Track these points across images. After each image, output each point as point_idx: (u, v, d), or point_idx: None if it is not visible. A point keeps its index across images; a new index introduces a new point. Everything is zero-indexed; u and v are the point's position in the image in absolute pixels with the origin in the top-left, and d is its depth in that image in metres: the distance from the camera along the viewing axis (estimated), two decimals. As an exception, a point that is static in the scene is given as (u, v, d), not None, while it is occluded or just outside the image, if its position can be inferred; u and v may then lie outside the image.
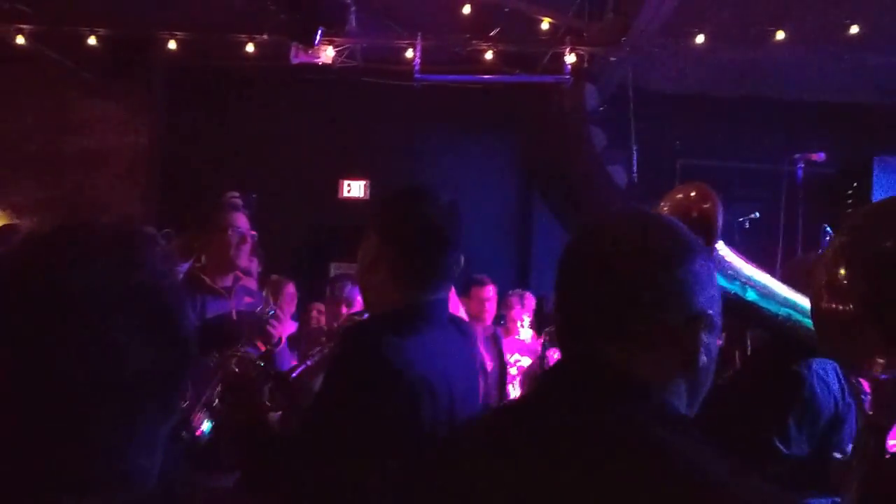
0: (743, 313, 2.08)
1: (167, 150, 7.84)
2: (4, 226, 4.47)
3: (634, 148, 6.94)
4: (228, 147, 7.71)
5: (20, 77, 7.85)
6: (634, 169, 6.95)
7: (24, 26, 6.93)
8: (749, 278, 2.01)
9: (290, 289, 5.06)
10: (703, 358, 1.06)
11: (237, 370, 2.15)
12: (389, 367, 1.56)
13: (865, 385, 1.65)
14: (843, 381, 2.23)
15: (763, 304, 2.02)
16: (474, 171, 7.69)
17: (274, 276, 4.92)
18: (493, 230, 7.69)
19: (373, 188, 8.00)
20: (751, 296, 2.00)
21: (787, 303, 2.04)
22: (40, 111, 8.04)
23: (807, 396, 2.15)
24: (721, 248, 1.95)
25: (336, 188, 8.07)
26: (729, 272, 1.96)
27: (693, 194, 2.02)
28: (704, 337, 1.05)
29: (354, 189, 8.07)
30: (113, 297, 0.74)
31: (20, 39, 7.01)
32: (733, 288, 1.97)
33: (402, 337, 1.62)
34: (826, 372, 2.19)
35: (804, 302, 2.00)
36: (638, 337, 1.04)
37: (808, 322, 1.95)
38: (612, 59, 6.66)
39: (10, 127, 8.01)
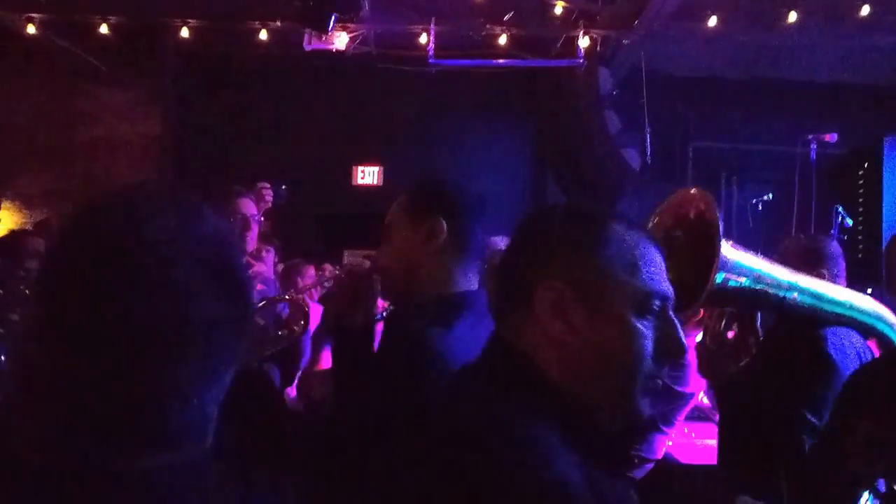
0: (752, 302, 2.14)
1: (179, 138, 7.84)
2: (40, 221, 4.56)
3: (648, 131, 6.95)
4: (241, 135, 7.71)
5: (31, 66, 7.83)
6: (648, 152, 6.96)
7: (35, 15, 6.93)
8: (753, 270, 2.05)
9: (309, 272, 5.10)
10: (560, 329, 1.07)
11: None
12: (437, 359, 1.55)
13: None
14: (861, 348, 2.31)
15: (771, 290, 2.07)
16: (488, 155, 7.71)
17: (296, 260, 4.96)
18: (506, 214, 7.70)
19: (387, 175, 8.01)
20: (758, 285, 2.04)
21: (791, 286, 2.10)
22: (51, 100, 8.01)
23: (827, 363, 2.22)
24: (725, 247, 1.96)
25: (350, 175, 8.08)
26: (736, 269, 1.99)
27: (691, 199, 2.03)
28: (571, 311, 1.07)
29: (368, 176, 8.09)
30: (182, 247, 0.77)
31: (31, 29, 7.00)
32: (743, 282, 2.01)
33: (450, 328, 1.62)
34: (841, 340, 2.26)
35: (804, 281, 2.14)
36: (508, 307, 1.13)
37: (811, 299, 2.14)
38: (625, 42, 6.69)
39: (21, 116, 7.99)
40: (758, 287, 2.02)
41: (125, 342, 0.74)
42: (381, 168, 8.08)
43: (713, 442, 3.86)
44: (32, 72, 7.90)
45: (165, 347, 0.75)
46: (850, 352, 2.27)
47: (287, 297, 2.83)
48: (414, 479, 1.02)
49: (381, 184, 8.05)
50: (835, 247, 2.74)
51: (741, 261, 2.01)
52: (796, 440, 2.16)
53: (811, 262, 2.43)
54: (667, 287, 1.12)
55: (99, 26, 7.12)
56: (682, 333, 1.11)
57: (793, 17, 6.52)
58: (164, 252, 0.75)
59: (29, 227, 6.75)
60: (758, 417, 2.28)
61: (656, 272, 1.11)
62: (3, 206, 7.80)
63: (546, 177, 8.14)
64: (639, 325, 1.07)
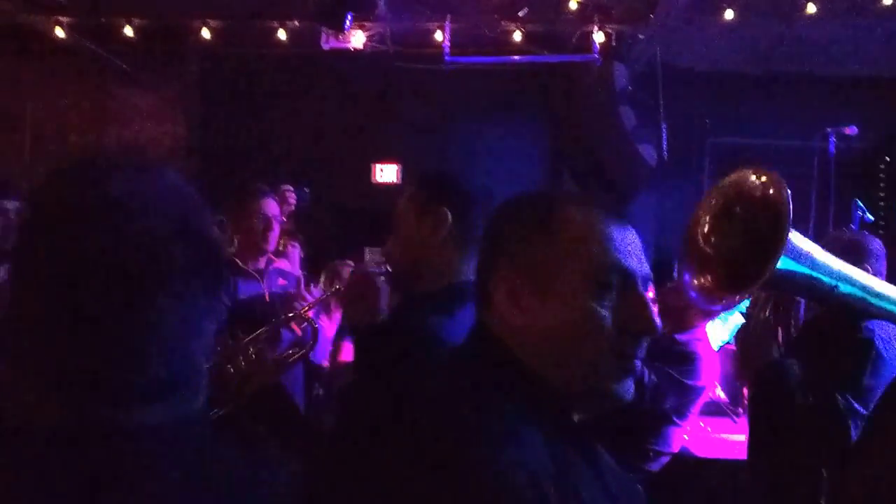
0: (804, 289, 2.12)
1: (203, 137, 7.98)
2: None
3: (664, 126, 6.93)
4: (262, 133, 7.82)
5: (59, 69, 8.02)
6: (664, 147, 6.95)
7: (63, 18, 7.10)
8: (810, 256, 2.02)
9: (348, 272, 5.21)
10: (517, 316, 1.09)
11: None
12: (439, 347, 1.58)
13: None
14: None
15: (824, 278, 2.05)
16: (504, 151, 7.72)
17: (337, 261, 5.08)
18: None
19: (405, 172, 8.07)
20: (813, 272, 2.03)
21: (841, 276, 2.09)
22: (80, 102, 8.20)
23: (876, 354, 2.22)
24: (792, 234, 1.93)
25: (369, 172, 8.15)
26: (796, 254, 1.97)
27: (759, 178, 2.03)
28: (525, 297, 1.09)
29: (387, 173, 8.15)
30: (144, 200, 0.82)
31: (59, 31, 7.18)
32: (801, 269, 1.98)
33: (451, 315, 1.66)
34: (888, 333, 2.26)
35: (855, 273, 2.12)
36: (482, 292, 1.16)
37: (860, 292, 2.12)
38: (641, 36, 6.68)
39: (49, 118, 8.19)
40: (813, 274, 2.01)
41: (101, 293, 0.78)
42: (400, 165, 8.14)
43: (729, 436, 3.89)
44: (61, 74, 8.09)
45: (140, 294, 0.79)
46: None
47: (293, 315, 2.86)
48: (388, 459, 1.04)
49: (399, 181, 8.11)
50: (878, 244, 2.74)
51: (802, 246, 1.99)
52: (842, 428, 2.14)
53: (854, 257, 2.39)
54: (631, 263, 1.09)
55: (124, 28, 7.28)
56: (653, 311, 1.08)
57: (811, 8, 6.45)
58: (127, 204, 0.80)
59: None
60: (801, 406, 2.24)
61: (615, 249, 1.08)
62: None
63: (562, 173, 8.14)
64: (594, 304, 1.05)
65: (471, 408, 1.01)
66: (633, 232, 1.13)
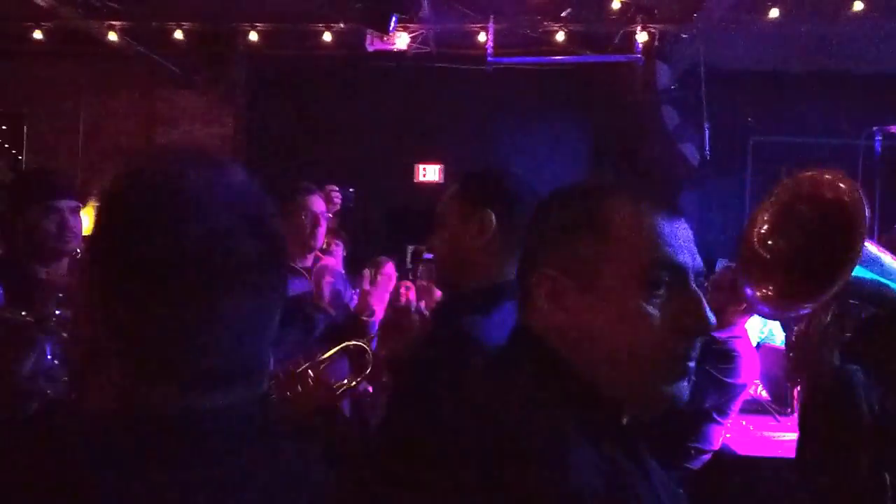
0: (871, 295, 2.01)
1: (250, 138, 8.15)
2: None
3: (706, 125, 6.92)
4: (307, 134, 7.97)
5: (112, 72, 8.26)
6: (707, 146, 6.93)
7: (116, 23, 7.32)
8: (879, 261, 1.91)
9: (388, 269, 5.35)
10: (561, 318, 1.01)
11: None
12: (476, 347, 1.55)
13: None
14: None
15: (892, 284, 1.95)
16: (546, 151, 7.77)
17: (381, 258, 5.22)
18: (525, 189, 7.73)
19: (447, 172, 8.17)
20: (883, 278, 1.92)
21: None
22: (130, 104, 8.43)
23: None
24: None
25: (411, 172, 8.28)
26: (868, 260, 1.84)
27: (832, 181, 1.89)
28: (567, 298, 1.01)
29: (429, 173, 8.27)
30: (214, 194, 0.84)
31: (112, 36, 7.40)
32: (870, 275, 1.88)
33: (487, 314, 1.62)
34: None
35: None
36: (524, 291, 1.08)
37: None
38: (684, 36, 6.67)
39: (102, 120, 8.44)
40: (882, 280, 1.89)
41: (176, 284, 0.80)
42: (442, 165, 8.24)
43: (771, 434, 3.89)
44: (113, 77, 8.33)
45: (213, 286, 0.82)
46: None
47: (356, 344, 2.85)
48: (435, 481, 0.95)
49: (441, 180, 8.21)
50: None
51: (871, 251, 1.85)
52: None
53: None
54: (683, 257, 1.00)
55: (174, 32, 7.49)
56: (706, 308, 0.99)
57: (858, 6, 6.39)
58: (202, 200, 0.83)
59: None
60: (868, 415, 2.12)
61: (666, 243, 1.00)
62: (89, 204, 8.23)
63: (604, 172, 8.17)
64: (643, 304, 0.97)
65: (524, 423, 0.94)
66: (685, 223, 1.04)
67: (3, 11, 7.40)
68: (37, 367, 1.18)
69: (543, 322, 1.03)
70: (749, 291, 1.94)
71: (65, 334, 1.29)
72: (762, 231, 1.95)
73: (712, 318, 1.00)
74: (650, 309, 0.98)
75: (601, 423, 0.98)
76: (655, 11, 6.66)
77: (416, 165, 8.27)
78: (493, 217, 1.72)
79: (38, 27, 7.64)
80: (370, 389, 2.80)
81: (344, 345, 2.60)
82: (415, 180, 8.28)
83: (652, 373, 0.99)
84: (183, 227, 0.81)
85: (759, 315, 2.17)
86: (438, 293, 4.73)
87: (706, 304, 1.00)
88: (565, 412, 0.95)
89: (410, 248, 7.87)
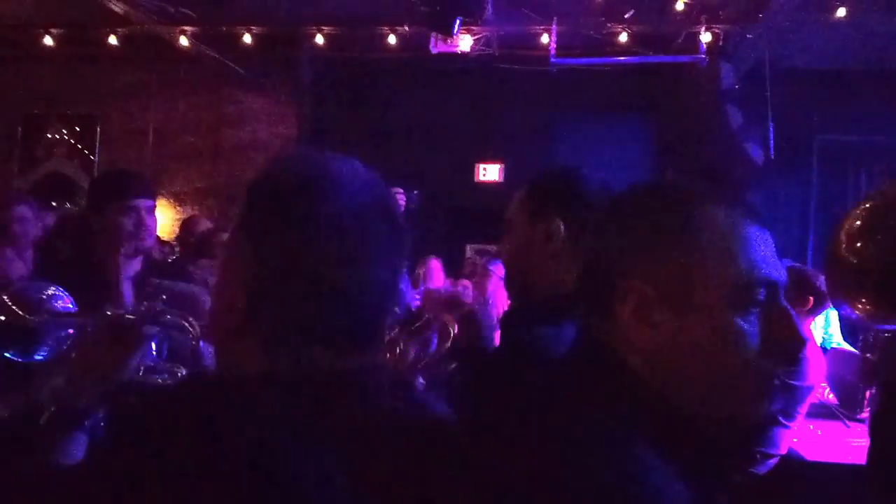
0: None
1: (313, 139, 8.29)
2: (189, 217, 5.04)
3: (771, 125, 6.84)
4: (370, 134, 8.07)
5: (182, 75, 8.51)
6: (771, 146, 6.85)
7: (188, 28, 7.55)
8: None
9: (433, 264, 5.52)
10: (647, 334, 0.94)
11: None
12: (541, 359, 1.51)
13: None
14: None
15: None
16: (608, 151, 7.74)
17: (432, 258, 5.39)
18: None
19: (507, 172, 8.21)
20: None
21: None
22: (199, 106, 8.67)
23: None
24: None
25: (472, 172, 8.34)
26: None
27: None
28: (656, 313, 0.93)
29: (490, 172, 8.32)
30: (355, 180, 0.97)
31: (183, 40, 7.64)
32: None
33: (558, 326, 1.55)
34: None
35: None
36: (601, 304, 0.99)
37: None
38: (749, 35, 6.60)
39: (173, 122, 8.70)
40: None
41: (325, 253, 0.90)
42: (503, 165, 8.29)
43: (840, 439, 3.85)
44: (183, 80, 8.57)
45: (356, 256, 0.92)
46: None
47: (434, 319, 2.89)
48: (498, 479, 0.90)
49: (502, 180, 8.26)
50: None
51: None
52: None
53: None
54: (776, 272, 0.94)
55: (243, 36, 7.70)
56: (798, 324, 0.94)
57: (930, 2, 6.26)
58: (340, 182, 0.95)
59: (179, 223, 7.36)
60: None
61: (760, 256, 0.93)
62: (158, 203, 8.49)
63: (667, 173, 8.10)
64: (738, 321, 0.91)
65: (605, 450, 0.87)
66: (769, 233, 0.98)
67: (81, 19, 7.70)
68: (142, 363, 1.24)
69: (625, 339, 0.95)
70: (843, 301, 1.86)
71: (172, 330, 1.36)
72: (854, 239, 1.82)
73: (805, 336, 0.95)
74: (746, 327, 0.91)
75: (682, 449, 0.92)
76: (720, 12, 6.60)
77: (476, 165, 8.33)
78: (562, 225, 1.66)
79: (114, 33, 7.92)
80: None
81: (428, 318, 2.65)
82: (475, 180, 8.34)
83: (741, 394, 0.94)
84: (330, 204, 0.91)
85: (849, 321, 2.10)
86: (490, 289, 4.81)
87: (797, 319, 0.94)
88: (649, 439, 0.88)
89: (470, 248, 7.97)
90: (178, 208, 8.46)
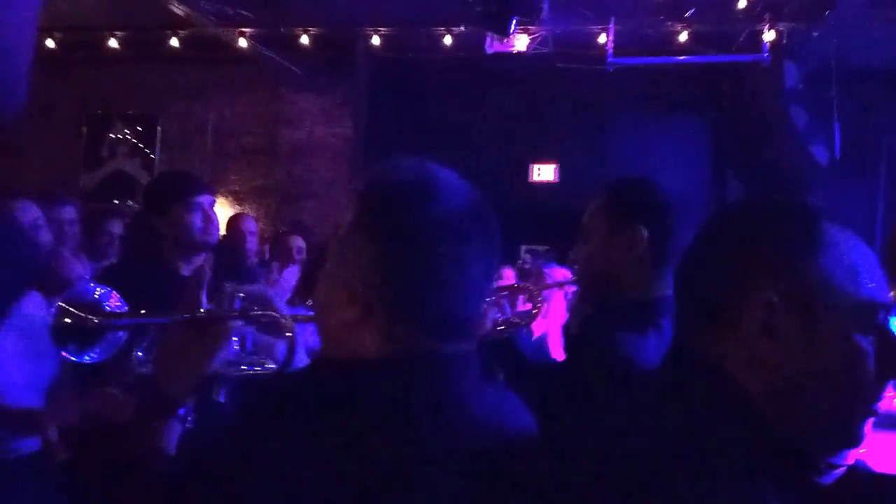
0: None
1: (369, 138, 8.36)
2: (235, 215, 5.09)
3: (837, 125, 6.66)
4: (425, 134, 8.11)
5: (240, 76, 8.65)
6: (837, 147, 6.67)
7: (247, 30, 7.68)
8: None
9: (505, 273, 5.53)
10: (770, 349, 0.90)
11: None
12: (628, 366, 1.53)
13: None
14: None
15: None
16: (665, 153, 7.64)
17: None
18: (684, 212, 7.62)
19: (562, 172, 8.16)
20: None
21: None
22: (257, 106, 8.80)
23: None
24: None
25: (527, 172, 8.30)
26: None
27: None
28: (784, 327, 0.89)
29: (544, 172, 8.27)
30: (451, 183, 1.04)
31: (242, 42, 7.76)
32: None
33: (644, 335, 1.59)
34: None
35: None
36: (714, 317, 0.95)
37: None
38: (815, 34, 6.44)
39: (231, 121, 8.85)
40: None
41: (433, 248, 0.99)
42: (557, 165, 8.23)
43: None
44: (241, 80, 8.72)
45: (458, 251, 1.00)
46: None
47: (531, 288, 2.88)
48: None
49: (556, 180, 8.21)
50: None
51: None
52: None
53: None
54: (888, 296, 0.93)
55: (300, 37, 7.79)
56: None
57: None
58: (441, 185, 1.03)
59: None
60: None
61: (877, 279, 0.92)
62: (216, 202, 8.66)
63: (726, 174, 7.96)
64: (863, 343, 0.89)
65: (702, 474, 0.85)
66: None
67: (144, 21, 7.88)
68: (225, 357, 1.30)
69: (746, 353, 0.91)
70: None
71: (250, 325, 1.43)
72: None
73: None
74: (869, 350, 0.89)
75: (783, 477, 0.91)
76: (785, 9, 6.44)
77: (531, 165, 8.29)
78: (645, 233, 1.70)
79: (175, 35, 8.10)
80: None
81: (513, 286, 2.67)
82: (529, 180, 8.30)
83: (857, 417, 0.92)
84: (441, 207, 1.00)
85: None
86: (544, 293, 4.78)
87: None
88: (751, 467, 0.86)
89: (524, 248, 7.93)
90: (236, 207, 8.59)
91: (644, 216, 1.72)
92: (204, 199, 2.45)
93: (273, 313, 1.36)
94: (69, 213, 3.77)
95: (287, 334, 1.39)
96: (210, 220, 2.43)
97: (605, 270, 1.76)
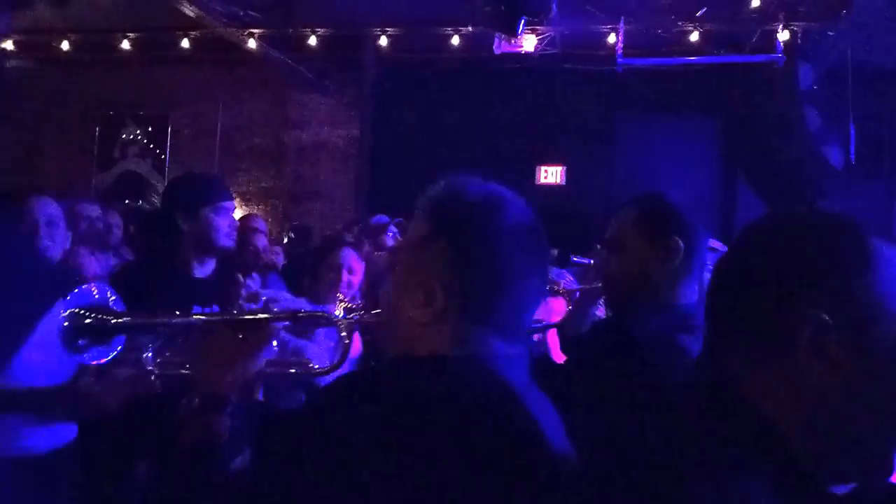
0: None
1: (377, 140, 8.31)
2: (245, 216, 5.07)
3: (852, 127, 6.53)
4: (432, 135, 8.07)
5: (248, 77, 8.68)
6: (852, 150, 6.54)
7: (256, 31, 7.67)
8: None
9: None
10: (821, 371, 0.84)
11: None
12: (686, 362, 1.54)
13: None
14: None
15: None
16: (674, 154, 7.54)
17: None
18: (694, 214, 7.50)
19: (569, 174, 8.07)
20: None
21: None
22: (264, 107, 8.82)
23: None
24: None
25: (533, 174, 8.22)
26: None
27: None
28: (836, 348, 0.83)
29: (551, 175, 8.19)
30: (512, 200, 1.13)
31: (251, 43, 7.75)
32: None
33: (694, 335, 1.67)
34: None
35: None
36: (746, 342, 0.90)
37: None
38: (830, 34, 6.32)
39: (239, 122, 8.87)
40: None
41: (502, 258, 1.08)
42: (564, 167, 8.15)
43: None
44: (249, 81, 8.74)
45: (521, 262, 1.09)
46: None
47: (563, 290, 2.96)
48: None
49: (563, 183, 8.12)
50: None
51: None
52: None
53: None
54: None
55: (309, 38, 7.77)
56: None
57: None
58: (506, 201, 1.11)
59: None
60: None
61: None
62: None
63: (736, 176, 7.83)
64: None
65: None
66: None
67: (156, 22, 7.90)
68: (266, 356, 1.36)
69: (788, 376, 0.86)
70: None
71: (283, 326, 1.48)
72: None
73: None
74: None
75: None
76: (799, 9, 6.32)
77: (538, 167, 8.20)
78: (682, 245, 1.81)
79: (186, 36, 8.11)
80: None
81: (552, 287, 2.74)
82: (536, 182, 8.22)
83: (887, 453, 0.87)
84: (507, 221, 1.09)
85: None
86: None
87: None
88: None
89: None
90: (244, 207, 8.60)
91: (679, 229, 1.84)
92: (230, 204, 2.57)
93: (323, 316, 1.49)
94: (93, 210, 3.78)
95: (342, 334, 1.52)
96: (234, 226, 2.54)
97: (639, 277, 1.86)
